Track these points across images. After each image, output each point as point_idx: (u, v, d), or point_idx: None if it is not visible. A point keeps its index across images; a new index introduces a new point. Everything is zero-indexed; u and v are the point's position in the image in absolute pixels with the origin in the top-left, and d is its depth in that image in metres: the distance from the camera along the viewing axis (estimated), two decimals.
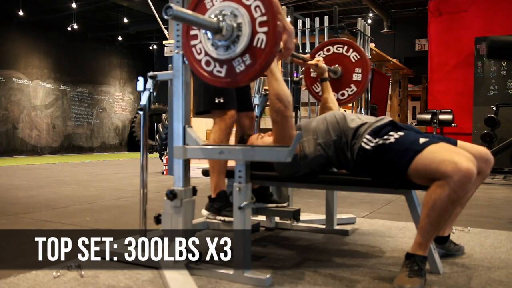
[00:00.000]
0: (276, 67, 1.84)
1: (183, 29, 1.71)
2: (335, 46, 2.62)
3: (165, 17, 1.39)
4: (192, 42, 1.68)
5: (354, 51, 2.59)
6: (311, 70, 2.60)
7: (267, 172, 2.06)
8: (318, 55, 2.66)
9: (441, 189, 1.54)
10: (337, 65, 2.60)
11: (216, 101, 2.17)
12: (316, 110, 3.78)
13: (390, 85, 7.78)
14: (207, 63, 1.63)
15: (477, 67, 6.94)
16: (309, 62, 2.47)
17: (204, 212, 2.26)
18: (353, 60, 2.58)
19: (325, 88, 2.45)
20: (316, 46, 2.78)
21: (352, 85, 2.58)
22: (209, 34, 1.58)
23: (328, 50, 2.64)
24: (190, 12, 1.52)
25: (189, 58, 1.70)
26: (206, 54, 1.63)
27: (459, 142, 1.90)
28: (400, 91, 9.78)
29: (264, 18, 1.49)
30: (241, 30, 1.52)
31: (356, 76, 2.56)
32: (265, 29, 1.48)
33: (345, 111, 5.36)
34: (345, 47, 2.60)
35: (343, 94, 2.60)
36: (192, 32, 1.68)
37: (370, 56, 4.56)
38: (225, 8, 1.55)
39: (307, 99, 4.36)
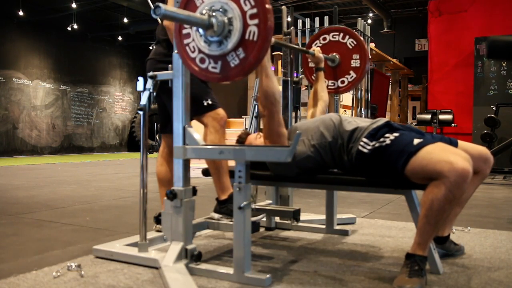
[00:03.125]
0: (268, 63, 1.85)
1: (175, 29, 1.70)
2: (331, 34, 2.62)
3: (154, 16, 1.39)
4: (185, 41, 1.67)
5: (350, 38, 2.59)
6: (309, 60, 2.61)
7: (261, 171, 2.07)
8: (315, 45, 2.66)
9: (438, 189, 1.55)
10: (334, 53, 2.60)
11: (205, 103, 2.19)
12: None
13: (390, 85, 7.78)
14: (202, 61, 1.63)
15: (477, 67, 6.95)
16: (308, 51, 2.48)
17: (215, 215, 2.26)
18: (350, 47, 2.58)
19: (318, 77, 2.50)
20: (308, 37, 2.78)
21: (351, 72, 2.58)
22: (201, 31, 1.57)
23: (324, 39, 2.64)
24: (179, 10, 1.52)
25: (183, 57, 1.69)
26: (200, 51, 1.62)
27: (459, 142, 1.91)
28: (400, 91, 9.78)
29: (254, 10, 1.48)
30: (232, 25, 1.52)
31: (355, 62, 2.57)
32: (256, 21, 1.48)
33: (345, 111, 5.37)
34: (341, 34, 2.60)
35: (343, 82, 2.61)
36: (184, 31, 1.68)
37: (370, 56, 4.55)
38: (214, 4, 1.55)
39: (307, 99, 4.36)
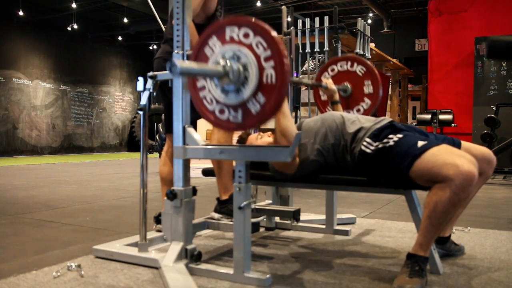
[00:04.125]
0: (285, 102, 1.77)
1: (189, 83, 1.68)
2: (339, 64, 2.57)
3: (171, 76, 1.36)
4: (201, 94, 1.64)
5: (359, 65, 2.54)
6: (321, 93, 2.57)
7: (261, 171, 2.06)
8: (324, 77, 2.61)
9: (442, 191, 1.54)
10: (345, 83, 2.56)
11: None
12: (316, 110, 3.78)
13: (390, 85, 7.78)
14: (221, 112, 1.59)
15: (477, 67, 6.95)
16: (321, 84, 2.43)
17: (216, 215, 2.26)
18: (360, 74, 2.52)
19: (337, 111, 2.40)
20: (320, 67, 2.71)
21: (366, 99, 2.52)
22: (216, 80, 1.54)
23: (333, 70, 2.59)
24: (194, 64, 1.49)
25: (201, 110, 1.66)
26: (218, 102, 1.59)
27: (462, 142, 1.90)
28: (400, 91, 9.77)
29: (268, 52, 1.45)
30: (247, 71, 1.48)
31: (367, 89, 2.50)
32: (271, 63, 1.45)
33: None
34: (349, 63, 2.55)
35: (358, 110, 2.53)
36: (199, 85, 1.65)
37: (369, 56, 4.56)
38: (226, 51, 1.52)
39: (307, 99, 4.36)
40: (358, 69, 2.53)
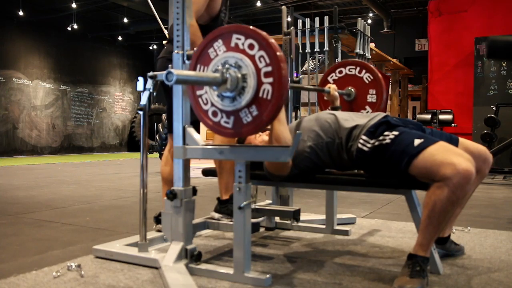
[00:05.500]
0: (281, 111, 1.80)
1: None
2: (347, 68, 2.57)
3: (167, 83, 1.36)
4: (198, 92, 1.66)
5: (367, 72, 2.53)
6: (325, 97, 2.58)
7: (261, 171, 2.06)
8: (330, 78, 2.61)
9: (440, 190, 1.55)
10: (350, 87, 2.56)
11: None
12: (316, 110, 3.78)
13: (390, 85, 7.78)
14: (214, 114, 1.62)
15: (477, 67, 6.95)
16: (324, 88, 2.43)
17: (216, 214, 2.26)
18: (367, 82, 2.52)
19: None
20: (326, 70, 2.71)
21: (367, 107, 2.52)
22: (214, 86, 1.55)
23: (340, 72, 2.59)
24: (192, 73, 1.50)
25: (195, 108, 1.68)
26: (213, 105, 1.61)
27: (460, 139, 1.91)
28: (400, 91, 9.77)
29: (269, 68, 1.46)
30: (246, 81, 1.50)
31: (371, 98, 2.50)
32: (270, 79, 1.46)
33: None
34: (358, 68, 2.55)
35: None
36: None
37: (369, 56, 4.55)
38: (229, 58, 1.53)
39: (307, 99, 4.36)
40: (366, 76, 2.53)
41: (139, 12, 10.58)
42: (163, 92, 2.26)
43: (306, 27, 4.40)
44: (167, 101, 2.28)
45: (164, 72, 1.38)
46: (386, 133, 1.75)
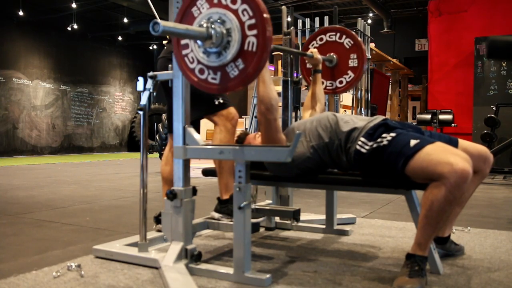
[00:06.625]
0: (266, 69, 1.82)
1: (174, 40, 1.70)
2: (328, 34, 2.61)
3: (153, 33, 1.37)
4: (184, 52, 1.66)
5: (347, 37, 2.57)
6: (306, 61, 2.61)
7: (261, 171, 2.06)
8: (312, 46, 2.65)
9: (437, 190, 1.55)
10: (331, 53, 2.59)
11: (216, 102, 2.19)
12: None
13: (390, 85, 7.78)
14: (201, 71, 1.62)
15: (477, 67, 6.95)
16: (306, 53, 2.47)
17: (216, 214, 2.26)
18: (347, 47, 2.56)
19: (316, 80, 2.49)
20: (308, 37, 2.77)
21: (349, 72, 2.57)
22: (199, 42, 1.56)
23: (321, 39, 2.63)
24: (178, 25, 1.51)
25: (182, 68, 1.69)
26: (199, 62, 1.62)
27: (459, 141, 1.91)
28: (400, 91, 9.79)
29: (253, 21, 1.48)
30: (231, 36, 1.51)
31: (352, 62, 2.55)
32: (254, 31, 1.47)
33: (345, 111, 5.37)
34: (338, 34, 2.59)
35: (341, 82, 2.60)
36: (182, 42, 1.67)
37: (369, 56, 4.56)
38: (212, 14, 1.54)
39: None
40: (346, 41, 2.57)
41: (139, 12, 10.58)
42: (163, 92, 2.26)
43: (306, 27, 4.40)
44: (167, 101, 2.28)
45: (151, 23, 1.37)
46: (384, 135, 1.76)
